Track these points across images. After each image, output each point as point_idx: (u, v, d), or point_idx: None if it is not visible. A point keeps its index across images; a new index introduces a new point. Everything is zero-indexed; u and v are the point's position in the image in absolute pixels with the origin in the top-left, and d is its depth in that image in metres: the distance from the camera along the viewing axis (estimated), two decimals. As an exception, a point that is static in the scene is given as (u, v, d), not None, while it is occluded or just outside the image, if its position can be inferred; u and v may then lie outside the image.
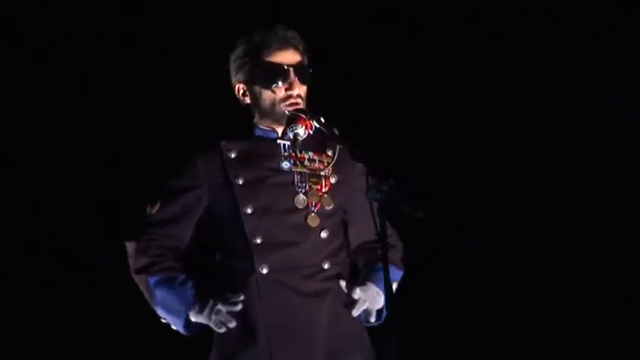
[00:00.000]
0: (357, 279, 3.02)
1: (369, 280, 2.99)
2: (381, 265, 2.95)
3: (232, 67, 3.01)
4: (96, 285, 4.03)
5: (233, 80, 3.02)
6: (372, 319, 2.99)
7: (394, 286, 3.00)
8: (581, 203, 4.20)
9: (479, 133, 4.21)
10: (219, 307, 2.86)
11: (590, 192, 4.20)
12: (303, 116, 2.87)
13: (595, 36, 4.18)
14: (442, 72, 4.20)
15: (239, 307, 2.86)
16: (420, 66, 4.20)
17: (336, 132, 2.86)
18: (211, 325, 2.88)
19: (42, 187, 4.07)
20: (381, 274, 2.95)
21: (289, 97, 2.92)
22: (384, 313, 3.01)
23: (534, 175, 4.22)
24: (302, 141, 2.89)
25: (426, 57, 4.22)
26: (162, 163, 3.10)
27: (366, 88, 4.13)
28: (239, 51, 2.99)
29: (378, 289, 2.96)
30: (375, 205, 2.59)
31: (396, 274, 3.04)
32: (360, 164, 2.86)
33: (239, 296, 2.87)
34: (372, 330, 3.03)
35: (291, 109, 2.90)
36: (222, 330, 2.87)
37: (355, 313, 2.94)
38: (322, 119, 2.86)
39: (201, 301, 2.87)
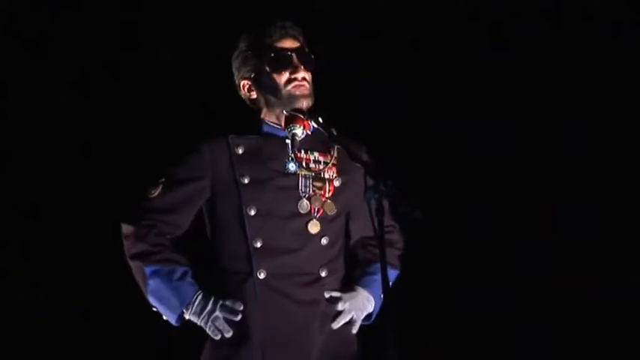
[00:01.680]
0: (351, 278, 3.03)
1: (361, 285, 3.01)
2: (374, 268, 2.98)
3: (235, 65, 3.03)
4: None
5: (237, 80, 3.04)
6: (354, 331, 3.00)
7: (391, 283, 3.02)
8: (581, 203, 4.19)
9: (478, 132, 4.20)
10: (218, 313, 2.86)
11: (591, 192, 4.20)
12: (301, 116, 2.88)
13: (596, 36, 4.18)
14: (442, 72, 4.20)
15: (238, 317, 2.86)
16: (419, 66, 4.19)
17: (334, 132, 2.87)
18: (206, 330, 2.88)
19: (43, 187, 4.07)
20: (373, 277, 3.01)
21: (294, 79, 2.94)
22: (374, 315, 3.05)
23: (534, 175, 4.21)
24: (307, 141, 2.90)
25: (426, 57, 4.21)
26: (168, 149, 3.10)
27: (366, 89, 4.13)
28: (241, 47, 3.02)
29: (367, 294, 2.99)
30: (373, 205, 2.59)
31: (391, 275, 3.04)
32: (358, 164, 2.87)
33: (239, 305, 2.87)
34: (366, 333, 3.04)
35: (297, 91, 2.91)
36: (218, 337, 2.87)
37: (335, 325, 2.95)
38: (320, 119, 2.87)
39: (199, 303, 2.88)
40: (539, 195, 4.20)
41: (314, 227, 2.92)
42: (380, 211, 2.54)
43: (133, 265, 2.93)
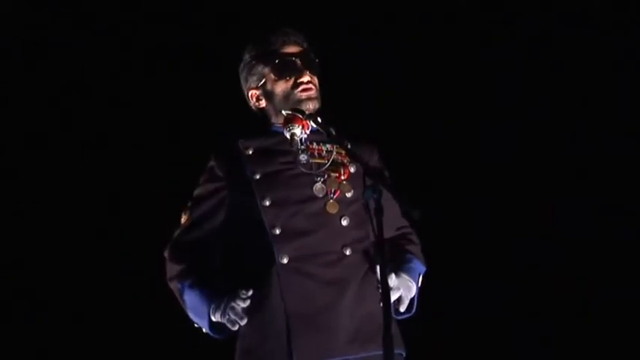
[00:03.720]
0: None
1: (401, 270, 2.97)
2: (408, 257, 2.97)
3: (242, 77, 3.07)
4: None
5: (246, 91, 3.07)
6: (402, 309, 2.95)
7: (420, 279, 3.02)
8: (581, 203, 4.19)
9: (478, 133, 4.21)
10: (232, 303, 2.86)
11: (591, 192, 4.20)
12: (300, 116, 2.89)
13: (596, 36, 4.18)
14: (441, 72, 4.20)
15: (247, 302, 2.85)
16: (419, 66, 4.20)
17: (333, 132, 2.87)
18: (226, 323, 2.88)
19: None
20: (410, 266, 2.98)
21: (301, 83, 2.96)
22: (415, 305, 3.01)
23: (534, 175, 4.22)
24: (317, 136, 2.92)
25: (426, 57, 4.22)
26: (184, 164, 3.14)
27: (366, 89, 4.13)
28: (245, 58, 3.05)
29: (409, 278, 2.96)
30: (372, 205, 2.58)
31: (422, 269, 3.05)
32: (357, 163, 2.89)
33: (249, 291, 2.86)
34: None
35: (304, 95, 2.94)
36: (235, 328, 2.87)
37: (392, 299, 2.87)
38: (319, 119, 2.88)
39: (218, 300, 2.89)
40: (539, 195, 4.20)
41: (332, 208, 2.91)
42: (379, 211, 2.53)
43: (172, 287, 2.98)
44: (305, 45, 3.02)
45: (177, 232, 3.02)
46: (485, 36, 4.21)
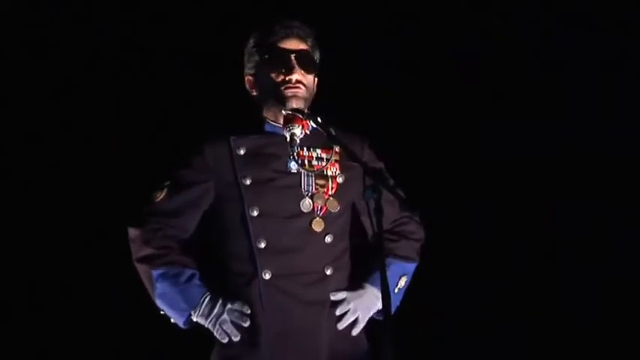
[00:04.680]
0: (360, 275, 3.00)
1: (370, 282, 2.99)
2: (387, 261, 2.97)
3: (244, 60, 3.06)
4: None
5: (245, 75, 3.06)
6: (354, 332, 2.97)
7: (404, 280, 3.03)
8: (581, 203, 4.19)
9: (478, 133, 4.20)
10: (226, 317, 2.86)
11: (591, 192, 4.20)
12: (300, 116, 2.88)
13: (596, 36, 4.18)
14: (441, 72, 4.20)
15: (247, 322, 2.86)
16: (419, 66, 4.19)
17: (333, 132, 2.87)
18: (214, 332, 2.87)
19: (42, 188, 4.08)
20: (377, 276, 2.96)
21: (288, 81, 2.93)
22: (393, 307, 3.01)
23: (534, 175, 4.21)
24: (309, 138, 2.91)
25: (426, 56, 4.21)
26: (172, 151, 3.10)
27: (366, 89, 4.12)
28: (249, 43, 3.04)
29: (377, 291, 2.95)
30: (372, 204, 2.58)
31: (408, 268, 3.05)
32: (355, 163, 2.87)
33: (247, 309, 2.86)
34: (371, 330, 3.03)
35: (288, 92, 2.91)
36: (225, 340, 2.87)
37: (341, 326, 2.94)
38: (319, 119, 2.87)
39: (206, 305, 2.88)
40: (539, 195, 4.19)
41: (318, 226, 2.92)
42: (379, 211, 2.53)
43: (140, 268, 2.94)
44: (309, 41, 3.00)
45: (149, 208, 2.94)
46: (485, 35, 4.21)
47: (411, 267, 3.08)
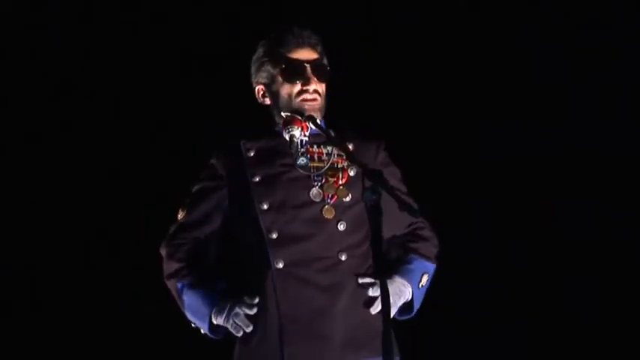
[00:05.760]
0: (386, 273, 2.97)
1: (397, 273, 2.98)
2: (409, 258, 2.97)
3: (253, 70, 3.06)
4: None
5: (254, 83, 3.06)
6: (391, 314, 2.91)
7: (425, 278, 3.02)
8: (581, 203, 4.19)
9: (479, 133, 4.20)
10: (237, 310, 2.87)
11: (591, 192, 4.20)
12: (299, 118, 2.89)
13: (596, 36, 4.18)
14: (441, 72, 4.20)
15: (254, 310, 2.86)
16: (419, 66, 4.19)
17: (332, 134, 2.87)
18: (229, 328, 2.88)
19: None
20: (408, 267, 2.98)
21: (305, 92, 2.94)
22: (415, 306, 3.02)
23: (534, 175, 4.21)
24: (320, 137, 2.92)
25: (426, 56, 4.21)
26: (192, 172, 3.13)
27: (366, 89, 4.13)
28: (259, 52, 3.04)
29: (404, 281, 2.95)
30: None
31: (429, 267, 3.04)
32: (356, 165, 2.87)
33: (255, 298, 2.87)
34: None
35: (305, 105, 2.93)
36: (240, 334, 2.87)
37: (374, 311, 2.90)
38: (318, 121, 2.90)
39: (221, 304, 2.89)
40: (539, 195, 4.20)
41: (329, 213, 2.91)
42: (378, 212, 2.53)
43: (169, 284, 2.99)
44: (320, 49, 3.01)
45: (173, 228, 3.02)
46: (485, 35, 4.21)
47: (431, 267, 3.08)
